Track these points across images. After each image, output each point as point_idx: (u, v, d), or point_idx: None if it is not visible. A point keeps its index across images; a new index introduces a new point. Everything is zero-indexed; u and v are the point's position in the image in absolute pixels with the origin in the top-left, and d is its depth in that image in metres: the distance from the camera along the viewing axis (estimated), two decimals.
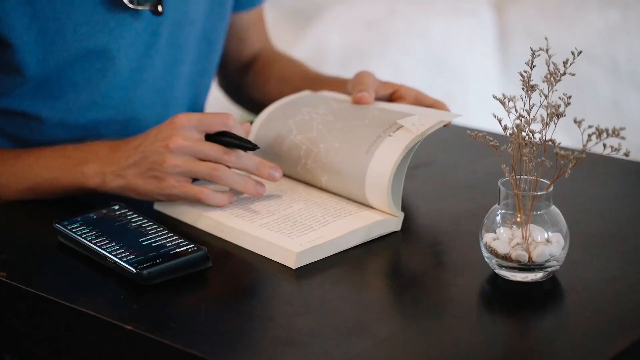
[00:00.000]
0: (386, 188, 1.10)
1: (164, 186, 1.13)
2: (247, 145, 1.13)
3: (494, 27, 2.31)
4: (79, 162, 1.17)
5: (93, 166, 1.16)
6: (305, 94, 1.30)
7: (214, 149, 1.13)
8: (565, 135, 1.08)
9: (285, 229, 1.09)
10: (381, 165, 1.11)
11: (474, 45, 2.31)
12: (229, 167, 1.14)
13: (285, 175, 1.20)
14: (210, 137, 1.14)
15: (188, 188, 1.13)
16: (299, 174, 1.19)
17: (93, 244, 1.05)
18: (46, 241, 1.11)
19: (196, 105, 1.40)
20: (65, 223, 1.10)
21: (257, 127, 1.25)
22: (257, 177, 1.16)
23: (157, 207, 1.17)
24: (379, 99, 1.25)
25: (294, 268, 1.04)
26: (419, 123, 1.13)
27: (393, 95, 1.26)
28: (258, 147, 1.14)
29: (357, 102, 1.22)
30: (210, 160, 1.13)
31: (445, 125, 1.15)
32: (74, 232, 1.08)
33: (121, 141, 1.18)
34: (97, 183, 1.16)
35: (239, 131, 1.14)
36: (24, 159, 1.21)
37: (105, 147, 1.17)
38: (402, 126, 1.14)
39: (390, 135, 1.13)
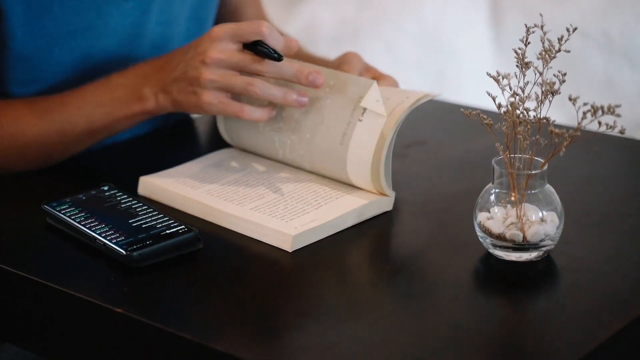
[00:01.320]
0: (369, 176, 1.09)
1: (203, 102, 1.12)
2: (273, 56, 1.10)
3: (487, 4, 2.30)
4: (130, 88, 1.17)
5: (145, 89, 1.16)
6: None
7: (249, 60, 1.11)
8: (559, 113, 1.07)
9: (278, 212, 1.07)
10: (359, 156, 1.10)
11: (467, 23, 2.29)
12: (266, 77, 1.12)
13: (271, 159, 1.19)
14: (249, 46, 1.12)
15: (226, 105, 1.12)
16: (281, 161, 1.18)
17: (82, 225, 1.04)
18: (34, 223, 1.10)
19: None
20: (54, 204, 1.08)
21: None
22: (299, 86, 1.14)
23: (142, 192, 1.16)
24: None
25: (290, 251, 1.03)
26: (382, 103, 1.10)
27: None
28: (282, 58, 1.10)
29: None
30: (247, 72, 1.12)
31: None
32: (62, 214, 1.07)
33: (164, 58, 1.17)
34: (152, 105, 1.16)
35: (274, 38, 1.11)
36: (71, 102, 1.20)
37: (151, 67, 1.17)
38: (366, 109, 1.11)
39: (360, 120, 1.11)
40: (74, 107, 1.19)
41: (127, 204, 1.08)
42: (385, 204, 1.11)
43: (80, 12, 1.23)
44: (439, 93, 1.15)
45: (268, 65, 1.11)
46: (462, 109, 1.00)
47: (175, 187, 1.14)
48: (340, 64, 1.23)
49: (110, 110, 1.18)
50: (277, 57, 1.10)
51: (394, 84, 1.23)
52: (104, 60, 1.27)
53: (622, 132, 0.92)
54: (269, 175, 1.16)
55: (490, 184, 1.00)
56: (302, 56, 1.41)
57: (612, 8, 2.17)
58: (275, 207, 1.08)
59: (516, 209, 0.98)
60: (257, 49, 1.11)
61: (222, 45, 1.11)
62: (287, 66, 1.11)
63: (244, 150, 1.23)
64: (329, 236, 1.05)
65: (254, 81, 1.11)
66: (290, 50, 1.12)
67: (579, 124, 0.93)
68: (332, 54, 1.44)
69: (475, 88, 2.16)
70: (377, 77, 1.24)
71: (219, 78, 1.11)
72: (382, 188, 1.10)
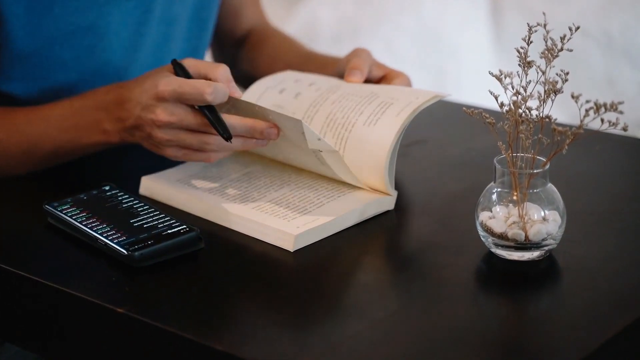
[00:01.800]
0: (383, 167, 1.09)
1: (168, 155, 1.11)
2: (221, 134, 1.06)
3: (487, 2, 2.29)
4: (93, 121, 1.15)
5: (107, 125, 1.14)
6: (288, 73, 1.28)
7: (199, 124, 1.08)
8: (559, 111, 1.06)
9: (280, 211, 1.07)
10: (378, 142, 1.10)
11: (467, 21, 2.29)
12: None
13: (271, 160, 1.19)
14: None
15: (192, 156, 1.10)
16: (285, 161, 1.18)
17: (83, 225, 1.04)
18: (35, 223, 1.09)
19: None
20: (55, 204, 1.08)
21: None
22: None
23: (143, 192, 1.15)
24: (370, 80, 1.23)
25: (292, 251, 1.02)
26: (413, 97, 1.11)
27: (383, 79, 1.24)
28: (231, 138, 1.06)
29: (348, 81, 1.20)
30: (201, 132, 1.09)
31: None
32: (64, 214, 1.06)
33: (124, 89, 1.12)
34: (118, 140, 1.14)
35: (219, 98, 1.06)
36: (37, 123, 1.18)
37: (111, 100, 1.13)
38: (391, 105, 1.12)
39: (380, 117, 1.12)
40: (41, 128, 1.18)
41: (129, 204, 1.08)
42: (387, 203, 1.10)
43: (82, 13, 1.23)
44: (448, 93, 1.14)
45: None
46: (464, 108, 0.99)
47: (177, 186, 1.14)
48: (350, 59, 1.23)
49: (74, 137, 1.16)
50: (226, 138, 1.06)
51: (407, 81, 1.23)
52: (105, 59, 1.27)
53: (624, 129, 0.91)
54: (270, 173, 1.16)
55: (492, 183, 1.00)
56: (308, 54, 1.42)
57: (612, 6, 2.17)
58: (277, 207, 1.08)
59: (518, 208, 0.98)
60: (207, 116, 1.07)
61: (170, 107, 1.08)
62: (241, 125, 1.07)
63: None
64: (330, 235, 1.05)
65: (209, 139, 1.08)
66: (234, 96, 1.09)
67: (581, 121, 0.93)
68: (332, 52, 1.44)
69: (475, 86, 2.16)
70: (389, 74, 1.24)
71: (174, 138, 1.09)
72: (385, 187, 1.10)
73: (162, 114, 1.08)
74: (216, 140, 1.08)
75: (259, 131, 1.08)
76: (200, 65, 1.11)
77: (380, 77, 1.24)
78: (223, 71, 1.10)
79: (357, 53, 1.24)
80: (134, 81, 1.13)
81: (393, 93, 1.14)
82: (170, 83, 1.07)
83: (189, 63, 1.11)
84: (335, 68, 1.28)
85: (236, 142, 1.08)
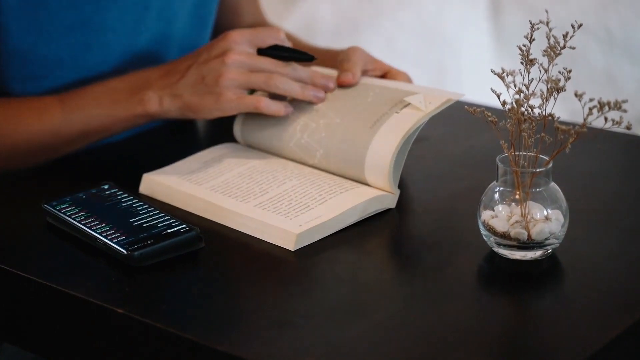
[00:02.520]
0: (388, 164, 1.09)
1: (222, 100, 1.14)
2: (302, 57, 1.17)
3: None
4: (130, 91, 1.17)
5: (148, 92, 1.16)
6: None
7: (268, 62, 1.15)
8: (560, 108, 1.06)
9: (282, 208, 1.07)
10: (385, 141, 1.10)
11: (467, 17, 2.29)
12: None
13: (274, 154, 1.18)
14: (262, 52, 1.17)
15: (245, 99, 1.14)
16: (290, 150, 1.17)
17: (83, 224, 1.03)
18: (34, 222, 1.09)
19: None
20: (54, 203, 1.07)
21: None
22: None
23: (144, 191, 1.15)
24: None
25: (293, 250, 1.02)
26: (426, 101, 1.11)
27: (383, 78, 1.24)
28: (315, 58, 1.17)
29: (339, 84, 1.20)
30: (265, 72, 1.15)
31: None
32: (62, 213, 1.06)
33: (169, 65, 1.19)
34: (155, 108, 1.16)
35: (288, 43, 1.18)
36: (68, 103, 1.19)
37: (154, 73, 1.18)
38: (409, 104, 1.12)
39: (397, 113, 1.12)
40: (73, 107, 1.19)
41: (128, 203, 1.07)
42: (389, 200, 1.10)
43: (77, 7, 1.22)
44: (462, 94, 1.14)
45: (286, 67, 1.15)
46: (466, 107, 0.99)
47: (178, 184, 1.13)
48: (342, 61, 1.22)
49: (109, 111, 1.18)
50: (308, 58, 1.17)
51: (406, 79, 1.23)
52: (102, 57, 1.26)
53: (628, 127, 0.91)
54: (272, 169, 1.15)
55: (494, 182, 0.99)
56: (307, 49, 1.41)
57: (612, 3, 2.16)
58: (279, 203, 1.07)
59: (521, 207, 0.98)
60: (276, 53, 1.16)
61: (240, 47, 1.15)
62: (302, 69, 1.17)
63: (253, 143, 1.21)
64: (331, 235, 1.04)
65: (272, 76, 1.15)
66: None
67: (584, 120, 0.93)
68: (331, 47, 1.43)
69: (475, 83, 2.15)
70: (387, 72, 1.23)
71: (239, 76, 1.14)
72: (389, 184, 1.09)
73: (233, 53, 1.14)
74: (279, 76, 1.15)
75: (319, 77, 1.17)
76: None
77: (380, 76, 1.24)
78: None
79: (349, 54, 1.23)
80: (179, 58, 1.19)
81: (408, 94, 1.14)
82: (242, 30, 1.16)
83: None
84: (334, 61, 1.28)
85: (295, 87, 1.15)
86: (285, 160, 1.18)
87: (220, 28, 1.47)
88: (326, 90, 1.17)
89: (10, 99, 1.22)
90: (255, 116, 1.20)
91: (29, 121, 1.19)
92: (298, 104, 1.18)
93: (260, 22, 1.51)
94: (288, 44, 1.18)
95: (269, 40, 1.16)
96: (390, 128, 1.11)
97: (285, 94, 1.16)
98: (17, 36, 1.21)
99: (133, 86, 1.18)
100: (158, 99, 1.16)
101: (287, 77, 1.15)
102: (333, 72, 1.25)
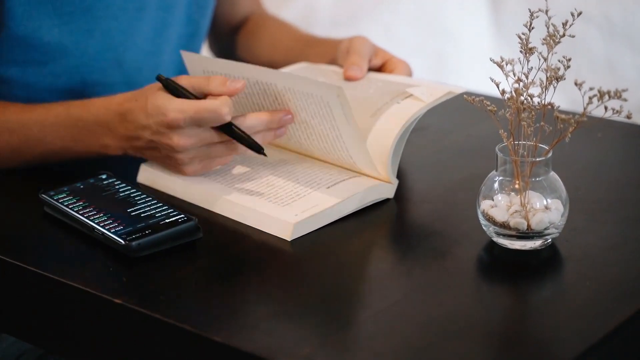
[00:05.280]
0: (387, 154, 1.08)
1: (188, 173, 1.10)
2: (255, 149, 1.08)
3: None
4: (94, 133, 1.12)
5: (109, 140, 1.11)
6: (303, 65, 1.28)
7: (223, 137, 1.08)
8: (559, 97, 1.05)
9: (279, 198, 1.06)
10: (384, 130, 1.10)
11: (466, 6, 2.28)
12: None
13: (273, 144, 1.18)
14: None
15: (211, 164, 1.10)
16: (289, 140, 1.17)
17: (80, 214, 1.03)
18: (31, 212, 1.08)
19: (185, 68, 1.37)
20: (52, 193, 1.07)
21: None
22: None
23: (142, 180, 1.14)
24: (369, 68, 1.22)
25: (290, 240, 1.01)
26: (427, 93, 1.11)
27: (383, 67, 1.23)
28: (263, 150, 1.08)
29: (347, 79, 1.19)
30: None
31: None
32: (60, 203, 1.05)
33: (125, 107, 1.10)
34: (118, 153, 1.13)
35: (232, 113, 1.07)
36: (32, 126, 1.16)
37: (113, 117, 1.11)
38: (410, 95, 1.12)
39: (398, 103, 1.12)
40: (35, 131, 1.15)
41: (126, 193, 1.07)
42: (388, 190, 1.09)
43: None
44: (464, 88, 1.14)
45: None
46: (465, 96, 0.98)
47: (175, 173, 1.12)
48: (348, 52, 1.22)
49: (70, 145, 1.14)
50: (260, 151, 1.07)
51: (407, 70, 1.22)
52: (103, 44, 1.26)
53: (629, 116, 0.90)
54: (270, 159, 1.14)
55: (493, 172, 0.99)
56: (306, 38, 1.41)
57: None
58: (276, 193, 1.07)
59: (520, 197, 0.97)
60: (231, 132, 1.07)
61: (187, 131, 1.06)
62: (257, 122, 1.08)
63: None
64: (329, 225, 1.04)
65: (235, 145, 1.08)
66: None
67: (584, 109, 0.92)
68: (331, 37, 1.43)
69: (474, 72, 2.15)
70: (387, 60, 1.23)
71: (197, 156, 1.08)
72: (387, 172, 1.09)
73: (180, 139, 1.06)
74: (240, 148, 1.08)
75: (276, 121, 1.08)
76: (194, 82, 1.08)
77: (380, 65, 1.23)
78: (217, 82, 1.07)
79: (355, 46, 1.22)
80: (133, 100, 1.09)
81: (408, 88, 1.14)
82: (183, 110, 1.05)
83: (183, 82, 1.08)
84: (334, 52, 1.27)
85: (257, 139, 1.08)
86: (283, 150, 1.17)
87: (218, 18, 1.47)
88: (284, 125, 1.09)
89: None
90: None
91: None
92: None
93: (257, 12, 1.50)
94: (231, 113, 1.06)
95: (212, 124, 1.06)
96: (389, 117, 1.11)
97: (252, 155, 1.10)
98: (20, 21, 1.20)
99: (93, 129, 1.12)
100: (121, 150, 1.12)
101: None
102: (336, 69, 1.25)
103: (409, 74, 1.24)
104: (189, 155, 1.08)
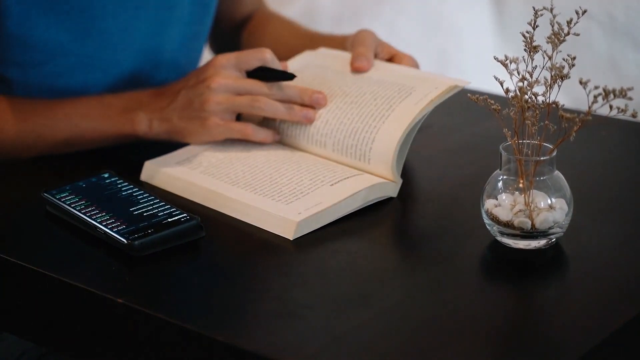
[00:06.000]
0: (392, 153, 1.09)
1: (209, 125, 1.14)
2: (285, 77, 1.15)
3: None
4: (123, 109, 1.18)
5: (140, 113, 1.17)
6: (306, 54, 1.27)
7: (254, 84, 1.15)
8: (563, 95, 1.05)
9: (282, 196, 1.06)
10: (389, 129, 1.10)
11: (469, 3, 2.27)
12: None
13: (277, 142, 1.18)
14: (251, 74, 1.16)
15: (232, 125, 1.15)
16: (293, 137, 1.17)
17: (82, 213, 1.03)
18: (34, 211, 1.08)
19: (187, 68, 1.37)
20: (54, 192, 1.07)
21: None
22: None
23: (145, 178, 1.14)
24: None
25: (292, 238, 1.01)
26: (432, 87, 1.12)
27: (390, 62, 1.23)
28: (294, 76, 1.16)
29: (355, 70, 1.19)
30: (252, 95, 1.15)
31: None
32: (62, 202, 1.05)
33: (161, 87, 1.19)
34: (144, 130, 1.17)
35: (276, 65, 1.16)
36: (59, 109, 1.20)
37: (147, 95, 1.19)
38: (414, 91, 1.12)
39: (402, 100, 1.12)
40: (62, 114, 1.19)
41: (128, 192, 1.07)
42: (391, 189, 1.09)
43: None
44: (468, 81, 1.13)
45: (272, 88, 1.15)
46: (469, 94, 0.98)
47: (179, 172, 1.12)
48: (355, 44, 1.22)
49: (97, 125, 1.19)
50: (290, 77, 1.15)
51: (414, 64, 1.22)
52: (102, 43, 1.26)
53: (634, 115, 0.90)
54: (273, 157, 1.14)
55: (497, 171, 0.99)
56: (310, 35, 1.40)
57: None
58: (280, 192, 1.07)
59: (524, 196, 0.97)
60: (263, 75, 1.16)
61: (226, 71, 1.15)
62: (291, 88, 1.16)
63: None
64: (334, 222, 1.04)
65: (258, 98, 1.15)
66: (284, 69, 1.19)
67: (589, 107, 0.92)
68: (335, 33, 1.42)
69: (477, 69, 2.14)
70: (393, 55, 1.23)
71: (225, 100, 1.14)
72: (391, 172, 1.08)
73: (218, 77, 1.14)
74: (264, 99, 1.15)
75: (309, 95, 1.16)
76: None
77: (386, 60, 1.23)
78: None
79: (361, 38, 1.23)
80: (171, 84, 1.19)
81: (414, 81, 1.14)
82: (227, 54, 1.16)
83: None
84: (340, 48, 1.27)
85: (282, 108, 1.15)
86: (287, 148, 1.17)
87: (222, 15, 1.47)
88: (317, 105, 1.16)
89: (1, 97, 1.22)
90: None
91: (15, 122, 1.19)
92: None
93: (260, 10, 1.50)
94: (275, 64, 1.16)
95: (254, 62, 1.16)
96: (395, 117, 1.10)
97: (271, 116, 1.16)
98: (17, 20, 1.20)
99: (126, 105, 1.19)
100: (148, 122, 1.17)
101: (273, 99, 1.15)
102: (344, 54, 1.24)
103: (417, 68, 1.24)
104: (220, 98, 1.13)
